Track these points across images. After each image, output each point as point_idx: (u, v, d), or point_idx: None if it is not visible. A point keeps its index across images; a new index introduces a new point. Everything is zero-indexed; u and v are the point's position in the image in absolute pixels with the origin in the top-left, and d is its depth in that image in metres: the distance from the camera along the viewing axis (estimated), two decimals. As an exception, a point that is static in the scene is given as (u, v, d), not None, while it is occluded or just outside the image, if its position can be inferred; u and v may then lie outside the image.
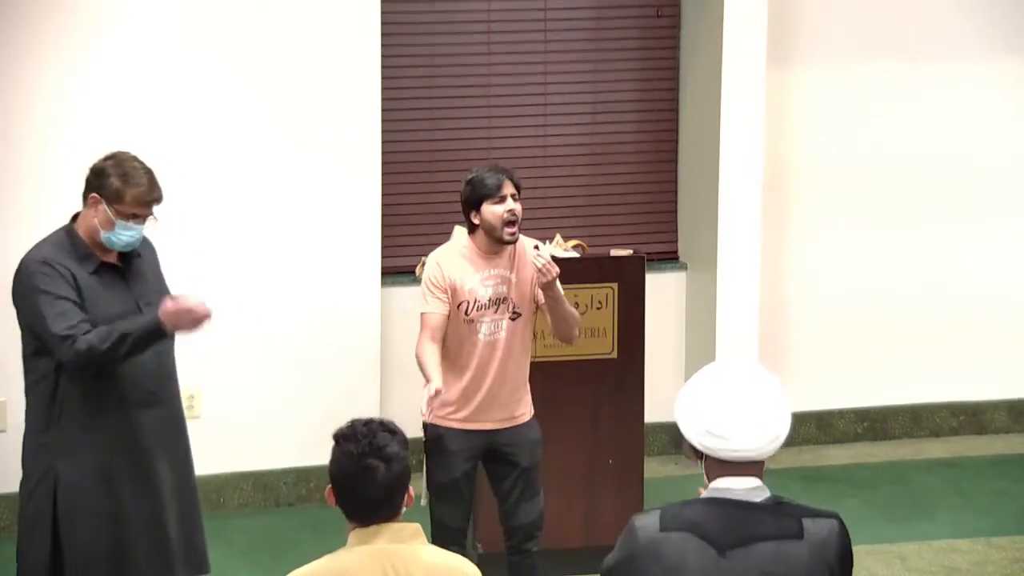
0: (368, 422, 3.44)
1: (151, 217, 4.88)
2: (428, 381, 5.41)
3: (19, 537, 4.98)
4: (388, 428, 3.44)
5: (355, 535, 3.41)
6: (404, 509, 3.45)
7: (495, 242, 5.61)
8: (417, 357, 5.59)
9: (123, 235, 4.84)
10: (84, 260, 4.83)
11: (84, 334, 4.70)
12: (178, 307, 4.74)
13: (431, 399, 5.33)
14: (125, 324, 4.74)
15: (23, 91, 6.98)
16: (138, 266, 4.96)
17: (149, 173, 4.87)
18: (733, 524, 3.29)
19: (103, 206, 4.81)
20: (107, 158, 4.90)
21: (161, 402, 4.97)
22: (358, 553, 3.38)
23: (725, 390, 3.32)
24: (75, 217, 4.94)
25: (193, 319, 4.76)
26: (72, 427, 4.82)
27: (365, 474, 3.37)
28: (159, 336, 4.78)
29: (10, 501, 6.83)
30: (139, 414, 4.89)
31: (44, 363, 4.82)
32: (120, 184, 4.81)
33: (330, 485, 3.43)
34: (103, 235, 4.83)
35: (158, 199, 4.88)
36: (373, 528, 3.40)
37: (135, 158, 4.90)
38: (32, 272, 4.79)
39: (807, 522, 3.32)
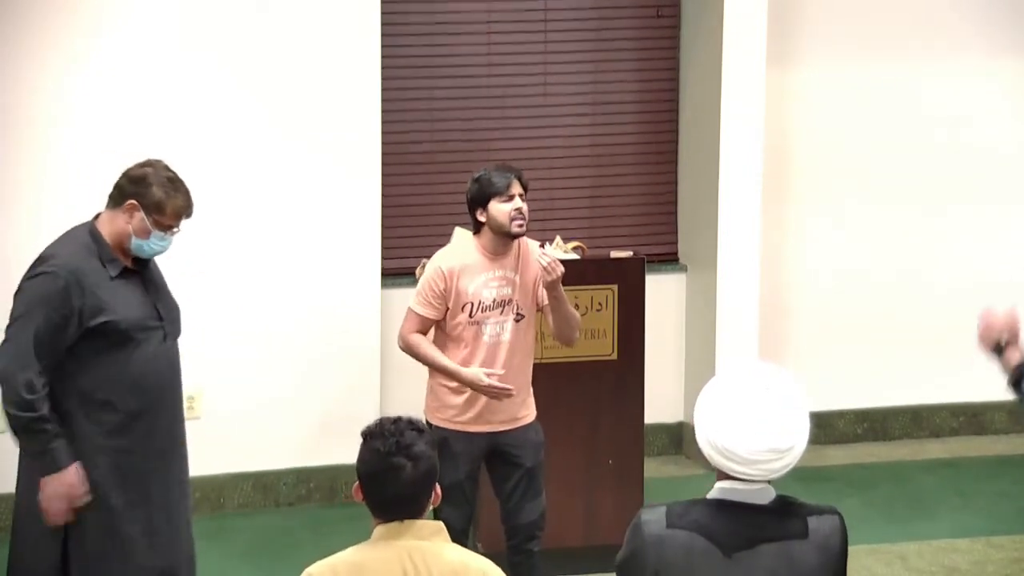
0: (396, 420, 3.46)
1: (178, 229, 4.90)
2: (452, 373, 5.58)
3: (18, 537, 4.95)
4: (416, 427, 3.46)
5: (379, 531, 3.42)
6: (431, 507, 3.46)
7: (503, 239, 5.61)
8: (411, 346, 5.66)
9: (156, 245, 4.86)
10: (109, 264, 4.83)
11: (42, 395, 4.71)
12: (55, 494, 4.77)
13: (491, 380, 5.53)
14: (47, 440, 4.72)
15: (23, 91, 6.98)
16: (151, 271, 4.98)
17: (185, 185, 4.89)
18: (739, 526, 3.29)
19: (141, 214, 4.81)
20: (144, 165, 4.89)
21: (168, 404, 4.97)
22: (380, 548, 3.39)
23: (740, 413, 3.28)
24: (95, 216, 4.92)
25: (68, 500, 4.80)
26: (78, 429, 4.81)
27: (391, 472, 3.38)
28: (39, 472, 4.78)
29: (10, 501, 6.81)
30: (147, 417, 4.89)
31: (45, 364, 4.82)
32: (163, 195, 4.81)
33: (357, 481, 3.43)
34: (135, 242, 4.83)
35: (192, 213, 4.91)
36: (396, 524, 3.41)
37: (168, 167, 4.91)
38: (53, 283, 4.72)
39: (812, 520, 3.33)
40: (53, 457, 4.75)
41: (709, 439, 3.31)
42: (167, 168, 4.90)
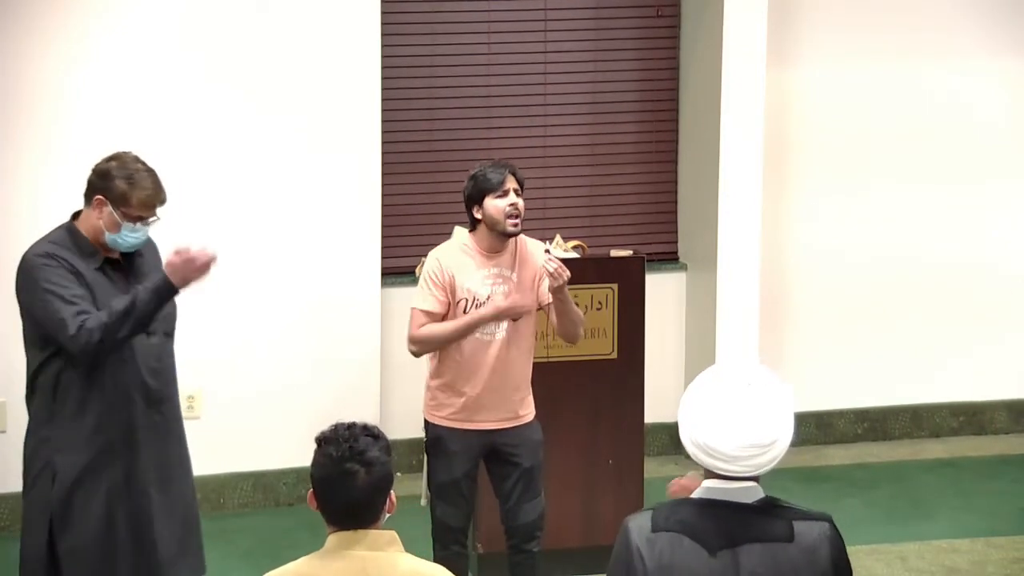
0: (351, 426, 3.39)
1: (155, 219, 4.89)
2: (472, 322, 5.56)
3: (22, 530, 4.99)
4: (371, 432, 3.38)
5: (333, 539, 3.37)
6: (387, 515, 3.39)
7: (498, 236, 5.60)
8: (422, 337, 5.61)
9: (129, 237, 4.85)
10: (88, 257, 4.83)
11: (90, 320, 4.69)
12: (183, 258, 4.73)
13: (504, 301, 5.52)
14: (129, 297, 4.71)
15: (24, 90, 6.98)
16: (140, 264, 4.96)
17: (153, 175, 4.87)
18: (724, 525, 3.28)
19: (108, 208, 4.81)
20: (110, 159, 4.89)
21: (161, 401, 4.97)
22: (333, 559, 3.34)
23: (721, 409, 3.27)
24: (75, 215, 4.94)
25: (200, 267, 4.76)
26: (71, 422, 4.83)
27: (345, 478, 3.31)
28: (169, 295, 4.77)
29: (10, 501, 6.83)
30: (139, 412, 4.90)
31: (46, 357, 4.83)
32: (126, 187, 4.80)
33: (311, 488, 3.39)
34: (108, 237, 4.83)
35: (163, 201, 4.89)
36: (351, 533, 3.35)
37: (138, 159, 4.90)
38: (35, 266, 4.79)
39: (798, 525, 3.30)
40: (154, 295, 4.72)
41: (692, 437, 3.31)
42: (136, 159, 4.88)
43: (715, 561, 3.27)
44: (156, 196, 4.85)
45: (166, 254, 5.16)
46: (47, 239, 4.90)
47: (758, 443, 3.27)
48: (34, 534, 4.88)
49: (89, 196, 4.85)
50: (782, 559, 3.27)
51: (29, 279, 4.81)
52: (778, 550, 3.28)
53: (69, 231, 4.88)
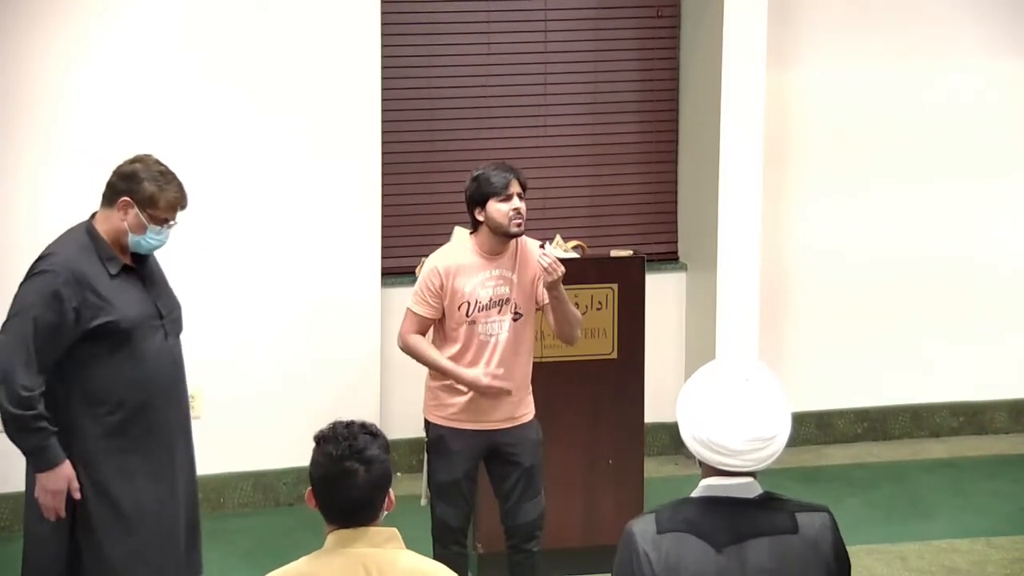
0: (349, 424, 3.40)
1: (175, 222, 4.90)
2: (452, 374, 5.57)
3: (28, 535, 4.96)
4: (369, 431, 3.39)
5: (333, 538, 3.37)
6: (385, 513, 3.40)
7: (501, 238, 5.60)
8: (411, 347, 5.65)
9: (152, 239, 4.87)
10: (108, 262, 4.84)
11: (38, 393, 4.71)
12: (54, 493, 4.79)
13: (490, 381, 5.53)
14: (43, 438, 4.73)
15: (24, 90, 6.98)
16: (150, 267, 4.98)
17: (177, 178, 4.90)
18: (728, 521, 3.31)
19: (135, 210, 4.81)
20: (134, 161, 4.90)
21: (173, 402, 4.98)
22: (333, 557, 3.35)
23: (722, 405, 3.30)
24: (91, 215, 4.93)
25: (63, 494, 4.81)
26: (80, 428, 4.82)
27: (345, 477, 3.32)
28: (34, 467, 4.79)
29: (10, 501, 6.83)
30: (150, 415, 4.90)
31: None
32: (155, 189, 4.82)
33: (310, 487, 3.39)
34: (132, 239, 4.84)
35: (185, 205, 4.91)
36: (350, 531, 3.36)
37: (159, 161, 4.92)
38: (51, 283, 4.73)
39: (800, 516, 3.34)
40: (49, 453, 4.75)
41: (693, 433, 3.34)
42: (157, 162, 4.90)
43: (722, 557, 3.29)
44: (181, 199, 4.90)
45: (167, 259, 5.18)
46: (72, 241, 4.85)
47: (761, 436, 3.29)
48: (52, 538, 4.86)
49: (112, 198, 4.85)
50: (788, 551, 3.30)
51: (35, 293, 4.76)
52: (784, 542, 3.30)
53: (90, 234, 4.86)
